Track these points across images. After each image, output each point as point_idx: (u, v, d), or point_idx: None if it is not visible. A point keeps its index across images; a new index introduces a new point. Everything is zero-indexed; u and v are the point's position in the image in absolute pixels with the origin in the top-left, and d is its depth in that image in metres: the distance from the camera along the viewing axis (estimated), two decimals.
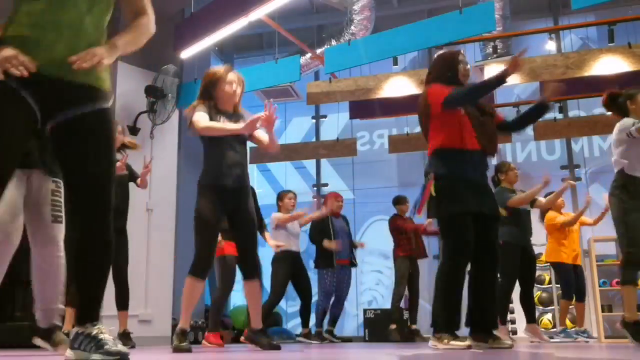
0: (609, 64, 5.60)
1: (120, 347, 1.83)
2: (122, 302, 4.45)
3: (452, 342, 3.04)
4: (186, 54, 6.21)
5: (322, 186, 9.58)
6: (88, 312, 1.91)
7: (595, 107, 8.29)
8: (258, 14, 5.59)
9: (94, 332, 1.86)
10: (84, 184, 1.90)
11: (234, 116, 3.51)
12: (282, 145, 8.53)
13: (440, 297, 3.18)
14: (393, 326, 6.58)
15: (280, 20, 7.19)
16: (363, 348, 4.37)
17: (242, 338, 5.20)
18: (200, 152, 3.56)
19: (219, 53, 10.07)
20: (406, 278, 6.51)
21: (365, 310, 7.34)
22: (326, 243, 6.19)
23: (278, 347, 3.46)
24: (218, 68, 3.60)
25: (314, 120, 9.84)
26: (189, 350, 3.23)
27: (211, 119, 3.36)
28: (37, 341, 3.05)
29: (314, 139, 9.43)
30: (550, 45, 8.56)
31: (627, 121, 3.73)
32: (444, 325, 3.12)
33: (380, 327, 6.86)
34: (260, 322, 3.54)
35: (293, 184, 9.66)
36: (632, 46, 5.61)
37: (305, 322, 6.21)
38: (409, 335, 6.47)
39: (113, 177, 1.94)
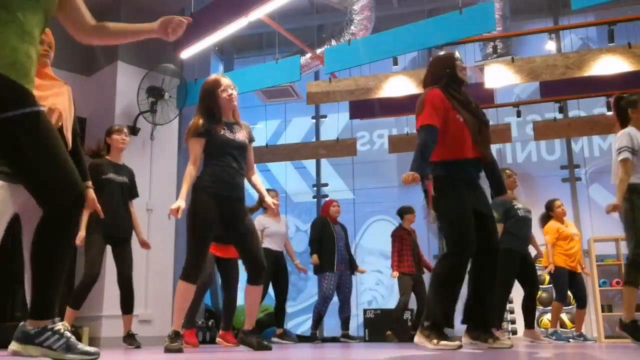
0: (609, 64, 5.59)
1: (87, 347, 1.85)
2: (127, 307, 4.57)
3: (443, 343, 2.98)
4: (186, 54, 6.21)
5: (322, 186, 9.58)
6: (48, 306, 1.85)
7: (595, 107, 8.30)
8: (258, 14, 5.60)
9: (62, 329, 1.84)
10: (35, 174, 1.82)
11: (235, 125, 3.49)
12: (282, 146, 8.58)
13: (438, 292, 3.11)
14: (389, 333, 6.59)
15: (280, 20, 7.18)
16: (363, 348, 4.37)
17: (217, 340, 5.20)
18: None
19: (219, 53, 10.06)
20: (410, 289, 6.49)
21: (365, 310, 7.33)
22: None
23: (269, 348, 3.45)
24: (211, 77, 3.58)
25: (314, 120, 9.84)
26: (180, 351, 3.23)
27: (212, 131, 3.37)
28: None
29: (314, 139, 9.43)
30: (550, 45, 8.56)
31: (622, 138, 3.82)
32: (441, 319, 3.05)
33: (380, 327, 6.86)
34: (254, 324, 3.53)
35: (293, 184, 9.68)
36: (632, 46, 5.61)
37: (280, 323, 6.26)
38: (410, 338, 6.45)
39: (63, 153, 1.85)
